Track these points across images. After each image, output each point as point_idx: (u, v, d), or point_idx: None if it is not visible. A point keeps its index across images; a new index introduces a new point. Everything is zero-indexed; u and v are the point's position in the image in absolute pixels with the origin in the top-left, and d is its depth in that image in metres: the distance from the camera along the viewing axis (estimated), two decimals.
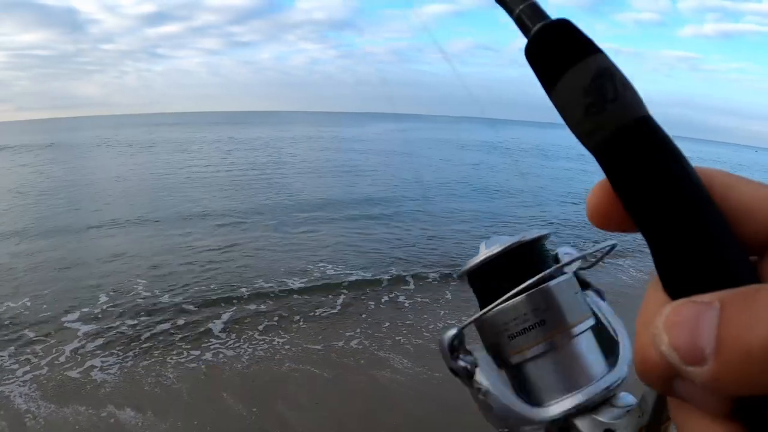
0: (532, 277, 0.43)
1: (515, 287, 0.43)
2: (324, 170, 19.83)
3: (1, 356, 4.78)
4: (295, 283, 6.84)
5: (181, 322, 5.62)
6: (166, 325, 5.52)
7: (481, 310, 0.47)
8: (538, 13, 0.31)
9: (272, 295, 6.46)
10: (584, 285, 0.49)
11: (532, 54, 0.30)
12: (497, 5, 0.32)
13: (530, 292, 0.44)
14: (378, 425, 3.88)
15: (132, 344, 5.08)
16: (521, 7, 0.31)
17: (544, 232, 0.47)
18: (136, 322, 5.60)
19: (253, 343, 5.15)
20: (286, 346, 5.06)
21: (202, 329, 5.44)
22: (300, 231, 9.77)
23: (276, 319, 5.72)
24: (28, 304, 6.07)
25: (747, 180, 0.27)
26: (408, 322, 5.67)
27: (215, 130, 47.46)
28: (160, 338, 5.22)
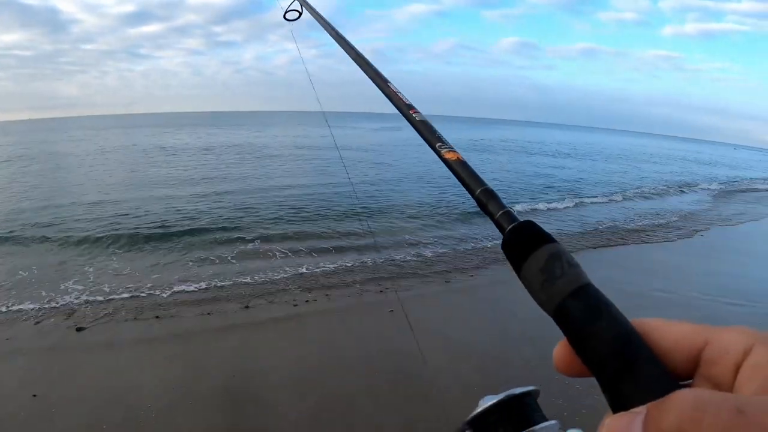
0: (523, 424, 0.48)
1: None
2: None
3: None
4: None
5: None
6: None
7: None
8: (511, 217, 0.44)
9: None
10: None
11: (506, 246, 0.42)
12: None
13: None
14: None
15: None
16: (499, 213, 0.45)
17: (535, 388, 0.52)
18: None
19: None
20: None
21: None
22: None
23: None
24: None
25: (676, 323, 0.34)
26: None
27: (190, 131, 46.97)
28: None
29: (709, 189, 18.84)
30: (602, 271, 7.03)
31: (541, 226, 0.41)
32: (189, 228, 9.75)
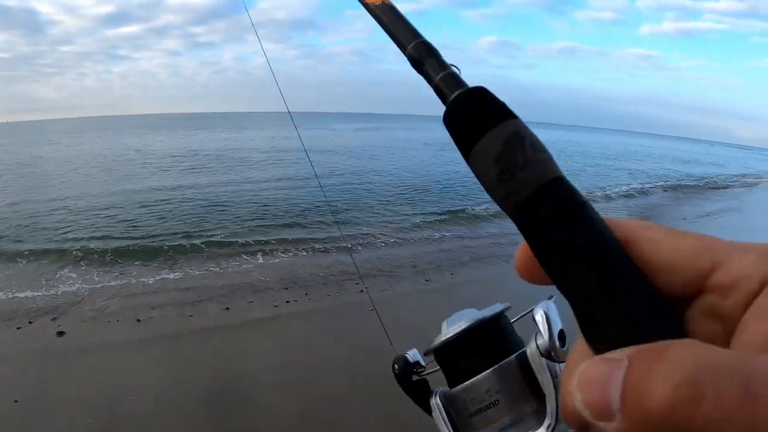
0: (496, 352, 0.46)
1: (480, 364, 0.46)
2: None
3: None
4: None
5: None
6: None
7: (449, 385, 0.50)
8: (456, 81, 0.32)
9: None
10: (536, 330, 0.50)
11: (448, 121, 0.31)
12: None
13: (491, 369, 0.46)
14: None
15: None
16: (440, 75, 0.33)
17: (505, 306, 0.50)
18: None
19: None
20: None
21: None
22: None
23: None
24: None
25: (673, 232, 0.27)
26: None
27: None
28: None
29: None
30: None
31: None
32: (160, 232, 9.73)
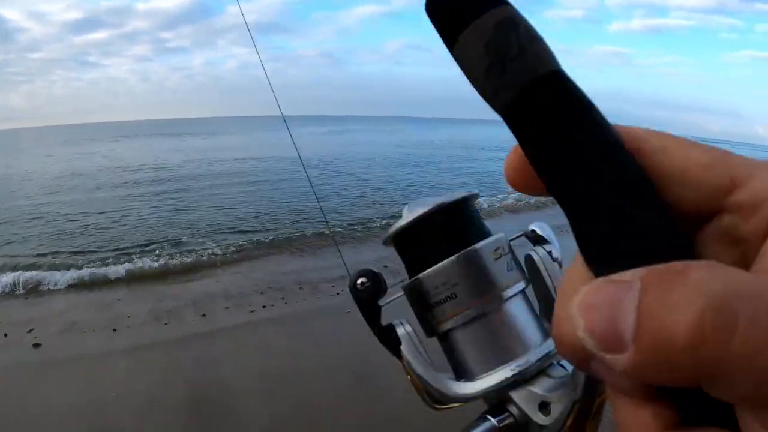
0: (460, 240, 0.43)
1: (441, 252, 0.43)
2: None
3: None
4: None
5: None
6: None
7: (409, 276, 0.46)
8: None
9: None
10: (537, 240, 0.47)
11: (431, 8, 0.27)
12: None
13: (454, 256, 0.43)
14: None
15: None
16: None
17: (471, 192, 0.46)
18: None
19: None
20: None
21: None
22: None
23: None
24: None
25: (686, 142, 0.24)
26: None
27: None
28: None
29: None
30: None
31: None
32: (134, 239, 9.73)
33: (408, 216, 0.44)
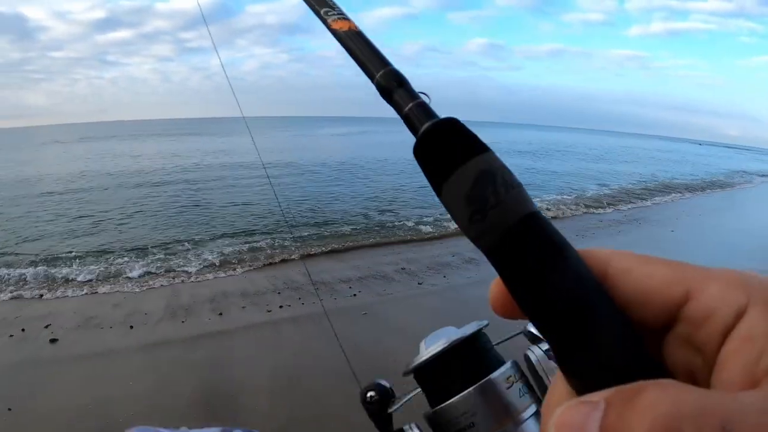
0: (475, 372, 0.47)
1: (461, 383, 0.47)
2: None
3: None
4: None
5: None
6: None
7: (430, 406, 0.50)
8: (426, 112, 0.31)
9: None
10: (533, 339, 0.52)
11: (419, 154, 0.30)
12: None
13: (471, 388, 0.47)
14: None
15: None
16: (410, 106, 0.32)
17: (481, 324, 0.50)
18: None
19: None
20: None
21: None
22: None
23: None
24: None
25: (646, 259, 0.27)
26: None
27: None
28: None
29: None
30: None
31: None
32: (154, 237, 9.76)
33: (426, 353, 0.48)
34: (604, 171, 23.71)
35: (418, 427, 0.52)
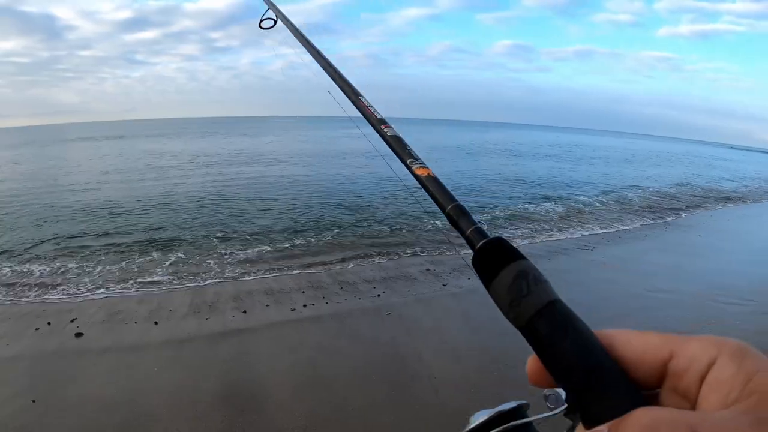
0: None
1: None
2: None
3: None
4: None
5: None
6: None
7: None
8: (481, 233, 0.45)
9: None
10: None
11: (476, 263, 0.42)
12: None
13: None
14: None
15: None
16: (470, 230, 0.46)
17: (520, 403, 0.53)
18: None
19: None
20: None
21: None
22: None
23: None
24: None
25: (643, 333, 0.35)
26: None
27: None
28: None
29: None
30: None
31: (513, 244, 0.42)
32: (181, 234, 9.83)
33: (474, 422, 0.49)
34: (633, 175, 23.22)
35: None
